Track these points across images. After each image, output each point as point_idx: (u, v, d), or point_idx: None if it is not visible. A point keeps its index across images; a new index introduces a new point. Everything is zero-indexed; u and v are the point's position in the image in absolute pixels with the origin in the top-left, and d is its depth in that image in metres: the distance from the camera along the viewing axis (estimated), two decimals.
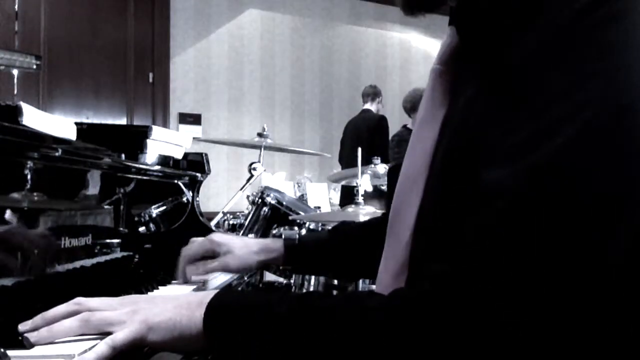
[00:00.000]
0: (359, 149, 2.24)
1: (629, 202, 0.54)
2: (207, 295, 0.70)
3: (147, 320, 0.69)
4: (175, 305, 0.71)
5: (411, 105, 4.57)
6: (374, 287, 2.03)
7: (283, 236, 1.19)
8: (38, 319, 0.72)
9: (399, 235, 0.75)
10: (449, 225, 0.62)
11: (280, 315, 0.64)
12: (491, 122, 0.61)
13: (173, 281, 1.14)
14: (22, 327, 0.71)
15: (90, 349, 0.67)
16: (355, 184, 2.14)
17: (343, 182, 3.12)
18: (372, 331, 0.60)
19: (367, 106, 5.12)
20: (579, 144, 0.54)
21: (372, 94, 5.14)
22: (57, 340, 0.71)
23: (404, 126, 4.71)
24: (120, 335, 0.68)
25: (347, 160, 4.85)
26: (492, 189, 0.57)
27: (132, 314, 0.70)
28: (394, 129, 4.94)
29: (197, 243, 1.15)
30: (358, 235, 1.16)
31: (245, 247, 1.14)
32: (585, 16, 0.57)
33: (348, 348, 0.60)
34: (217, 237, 1.16)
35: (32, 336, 0.70)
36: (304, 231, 2.25)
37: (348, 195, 2.41)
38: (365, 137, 4.75)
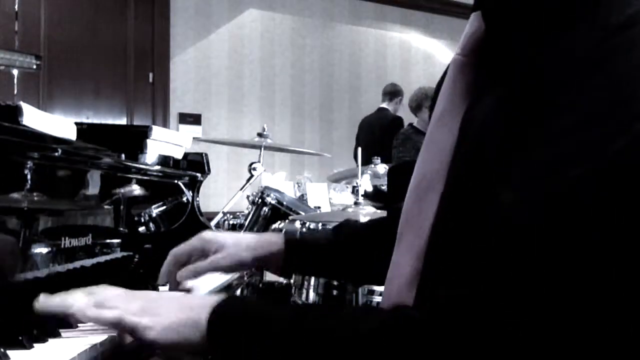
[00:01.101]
0: (359, 150, 2.24)
1: None
2: (212, 300, 0.71)
3: (154, 322, 0.70)
4: (179, 308, 0.71)
5: (416, 105, 4.53)
6: (374, 287, 2.01)
7: (284, 230, 1.10)
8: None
9: (412, 242, 0.73)
10: (462, 245, 0.61)
11: (282, 329, 0.65)
12: (513, 139, 0.59)
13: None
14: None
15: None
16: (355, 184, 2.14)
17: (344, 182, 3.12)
18: (371, 354, 0.59)
19: (385, 105, 5.08)
20: (601, 175, 0.52)
21: (390, 93, 5.09)
22: (54, 340, 0.72)
23: (410, 124, 4.67)
24: (128, 320, 0.70)
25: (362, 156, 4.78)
26: (507, 214, 0.56)
27: (141, 309, 0.71)
28: None
29: (186, 243, 1.04)
30: (364, 236, 1.08)
31: (238, 243, 1.02)
32: (621, 33, 0.55)
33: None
34: (208, 234, 1.05)
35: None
36: (304, 231, 2.25)
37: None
38: (378, 136, 4.71)
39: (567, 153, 0.54)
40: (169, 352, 0.74)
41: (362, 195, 2.05)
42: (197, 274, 1.01)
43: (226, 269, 1.05)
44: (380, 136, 4.74)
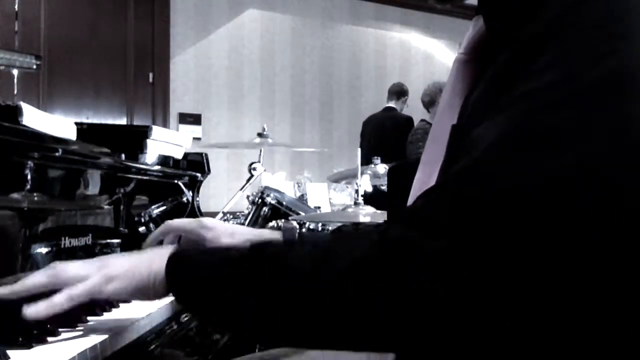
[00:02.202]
0: (359, 150, 2.24)
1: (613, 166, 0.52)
2: (173, 248, 0.74)
3: (108, 272, 0.74)
4: (139, 257, 0.75)
5: (429, 99, 4.47)
6: None
7: (282, 228, 1.08)
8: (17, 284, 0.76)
9: None
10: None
11: (235, 256, 0.67)
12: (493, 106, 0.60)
13: None
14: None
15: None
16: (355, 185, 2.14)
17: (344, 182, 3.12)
18: (320, 279, 0.59)
19: (392, 104, 5.05)
20: (570, 103, 0.54)
21: (398, 92, 5.07)
22: (54, 340, 0.72)
23: (423, 120, 4.62)
24: (79, 288, 0.72)
25: (367, 156, 4.69)
26: (474, 139, 0.59)
27: (97, 269, 0.74)
28: None
29: (184, 220, 1.03)
30: None
31: (233, 234, 0.98)
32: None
33: (293, 290, 0.60)
34: (208, 221, 1.02)
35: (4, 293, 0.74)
36: (304, 231, 2.24)
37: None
38: (391, 136, 4.68)
39: (537, 87, 0.56)
40: (125, 298, 0.79)
41: (361, 196, 2.05)
42: None
43: None
44: (392, 135, 4.70)
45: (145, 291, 0.73)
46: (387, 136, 4.70)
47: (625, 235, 0.53)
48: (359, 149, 2.24)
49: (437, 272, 0.54)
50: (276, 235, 1.02)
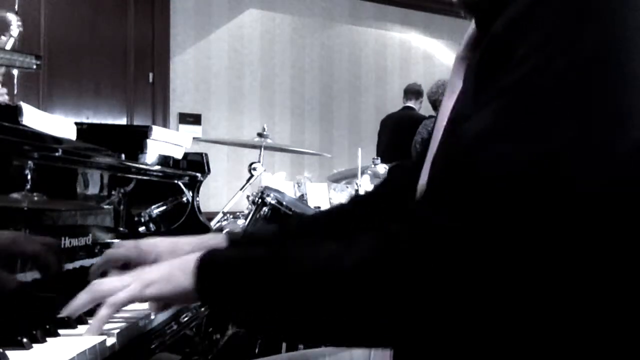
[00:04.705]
0: (359, 149, 2.24)
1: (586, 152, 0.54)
2: (196, 253, 0.76)
3: (145, 277, 0.76)
4: (171, 263, 0.78)
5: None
6: None
7: (227, 233, 1.05)
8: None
9: None
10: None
11: (255, 258, 0.70)
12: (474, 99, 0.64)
13: None
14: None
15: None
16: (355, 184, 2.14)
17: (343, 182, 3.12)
18: (336, 282, 0.61)
19: (411, 104, 5.05)
20: (544, 93, 0.56)
21: (417, 92, 5.07)
22: (53, 341, 0.72)
23: (433, 117, 4.58)
24: (120, 295, 0.75)
25: (384, 154, 4.61)
26: (459, 137, 0.62)
27: (133, 277, 0.77)
28: None
29: (122, 249, 0.99)
30: (313, 225, 1.06)
31: (174, 250, 0.95)
32: None
33: (308, 293, 0.63)
34: (145, 243, 0.98)
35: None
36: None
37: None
38: (408, 134, 4.66)
39: (512, 80, 0.58)
40: (164, 301, 0.82)
41: None
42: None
43: None
44: (410, 133, 4.68)
45: (183, 294, 0.75)
46: (404, 134, 4.67)
47: (593, 221, 0.55)
48: (359, 149, 2.25)
49: (436, 266, 0.57)
50: (220, 240, 1.01)
